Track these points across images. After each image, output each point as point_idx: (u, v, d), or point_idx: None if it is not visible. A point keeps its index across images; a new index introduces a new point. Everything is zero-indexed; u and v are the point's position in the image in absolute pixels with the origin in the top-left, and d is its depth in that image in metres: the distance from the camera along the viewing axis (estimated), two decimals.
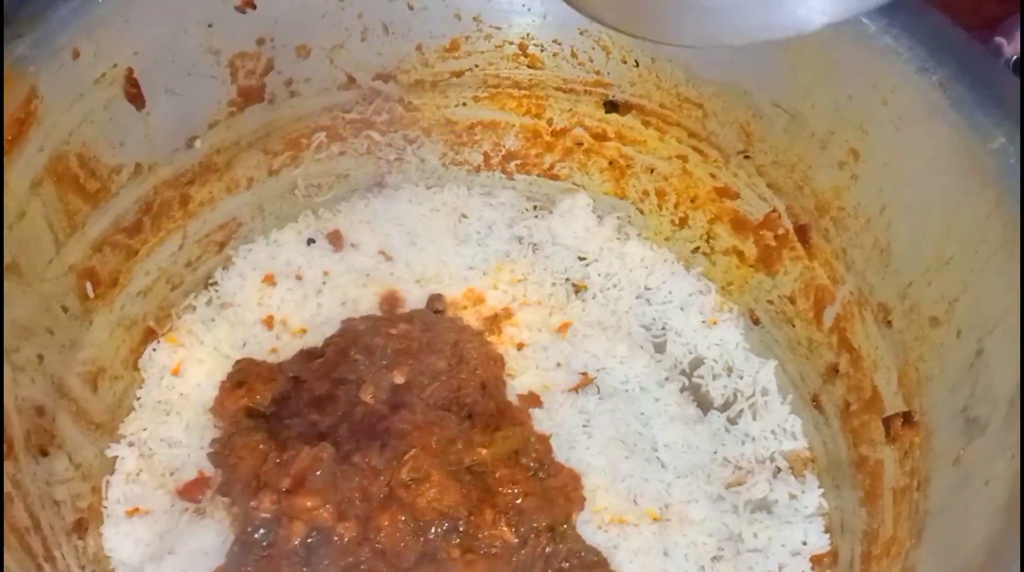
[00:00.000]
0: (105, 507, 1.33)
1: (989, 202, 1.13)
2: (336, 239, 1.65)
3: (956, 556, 1.03)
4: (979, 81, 1.18)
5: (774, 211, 1.51)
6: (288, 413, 1.37)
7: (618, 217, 1.70)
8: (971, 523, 1.02)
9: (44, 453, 1.20)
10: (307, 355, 1.46)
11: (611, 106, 1.63)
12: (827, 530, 1.39)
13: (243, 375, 1.41)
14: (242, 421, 1.37)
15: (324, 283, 1.60)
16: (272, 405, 1.38)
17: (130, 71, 1.29)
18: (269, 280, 1.59)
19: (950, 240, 1.19)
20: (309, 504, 1.21)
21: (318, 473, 1.23)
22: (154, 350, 1.48)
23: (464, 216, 1.71)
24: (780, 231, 1.51)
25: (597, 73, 1.61)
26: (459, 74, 1.64)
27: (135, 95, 1.30)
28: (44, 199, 1.21)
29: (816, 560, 1.36)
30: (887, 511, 1.24)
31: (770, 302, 1.57)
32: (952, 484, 1.11)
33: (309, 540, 1.23)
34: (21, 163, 1.16)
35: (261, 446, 1.31)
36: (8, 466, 1.08)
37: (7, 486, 1.05)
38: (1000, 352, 1.10)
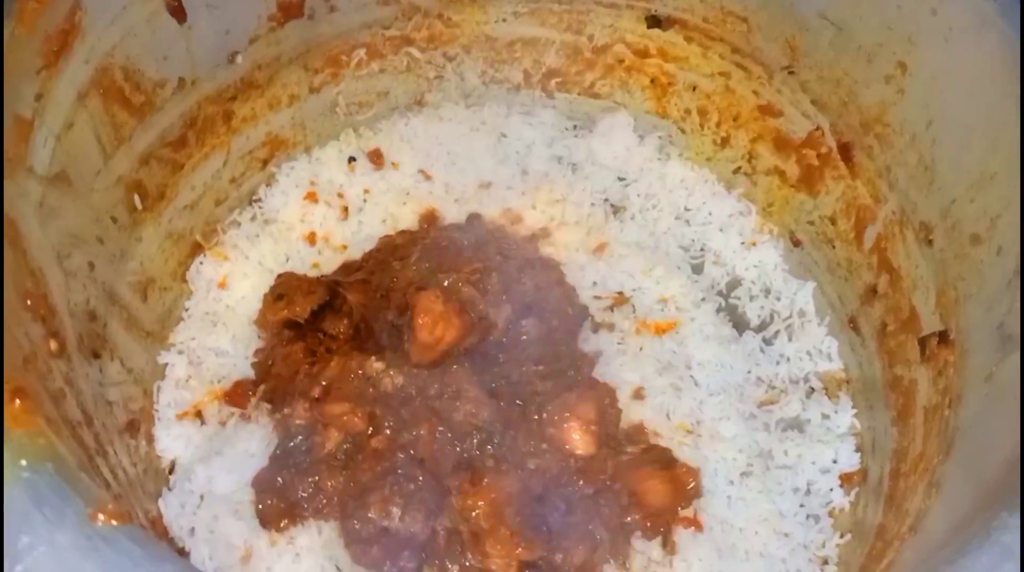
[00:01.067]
0: (156, 410, 1.39)
1: None
2: (376, 158, 1.66)
3: (983, 470, 1.03)
4: None
5: (817, 129, 1.48)
6: (326, 324, 1.40)
7: (659, 136, 1.68)
8: (1000, 438, 1.01)
9: (96, 356, 1.25)
10: (347, 268, 1.49)
11: (653, 21, 1.59)
12: (858, 449, 1.39)
13: (284, 288, 1.44)
14: (283, 332, 1.41)
15: (365, 201, 1.62)
16: (311, 317, 1.42)
17: None
18: (311, 197, 1.61)
19: (995, 155, 1.16)
20: (338, 411, 1.25)
21: (351, 378, 1.26)
22: (201, 263, 1.53)
23: (504, 135, 1.70)
24: (823, 150, 1.48)
25: None
26: None
27: (176, 8, 1.32)
28: (91, 111, 1.24)
29: (846, 478, 1.37)
30: (918, 429, 1.24)
31: (811, 223, 1.54)
32: (984, 400, 1.10)
33: (346, 446, 1.27)
34: (67, 75, 1.18)
35: (300, 356, 1.35)
36: (61, 364, 1.13)
37: (59, 382, 1.10)
38: None
